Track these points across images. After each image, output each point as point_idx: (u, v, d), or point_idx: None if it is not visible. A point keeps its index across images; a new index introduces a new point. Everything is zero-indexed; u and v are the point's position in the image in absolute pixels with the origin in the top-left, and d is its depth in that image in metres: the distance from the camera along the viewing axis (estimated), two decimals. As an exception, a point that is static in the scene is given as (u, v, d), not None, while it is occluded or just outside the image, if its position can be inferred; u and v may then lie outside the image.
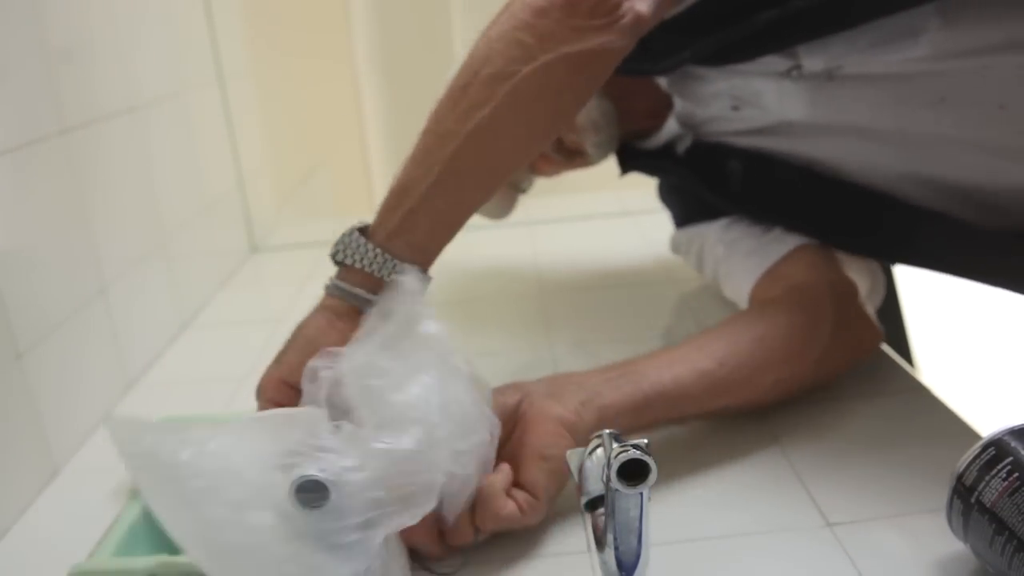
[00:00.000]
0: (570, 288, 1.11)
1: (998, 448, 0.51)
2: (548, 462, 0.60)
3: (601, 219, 1.38)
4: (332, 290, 0.64)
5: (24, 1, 0.76)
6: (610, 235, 1.30)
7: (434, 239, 0.64)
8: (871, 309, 0.80)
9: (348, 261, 0.63)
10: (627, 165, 1.00)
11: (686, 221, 0.98)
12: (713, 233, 0.91)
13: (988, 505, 0.50)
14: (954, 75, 0.68)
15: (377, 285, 0.62)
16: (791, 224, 0.84)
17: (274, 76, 1.56)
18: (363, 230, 0.64)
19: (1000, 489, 0.49)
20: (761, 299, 0.81)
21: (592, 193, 1.47)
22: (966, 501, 0.51)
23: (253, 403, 0.63)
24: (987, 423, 0.58)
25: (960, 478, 0.52)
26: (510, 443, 0.62)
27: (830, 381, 0.75)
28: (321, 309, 0.64)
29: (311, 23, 1.97)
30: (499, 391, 0.64)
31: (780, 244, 0.83)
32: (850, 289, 0.78)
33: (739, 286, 0.85)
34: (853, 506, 0.61)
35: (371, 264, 0.62)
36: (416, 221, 0.63)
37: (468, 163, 0.63)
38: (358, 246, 0.62)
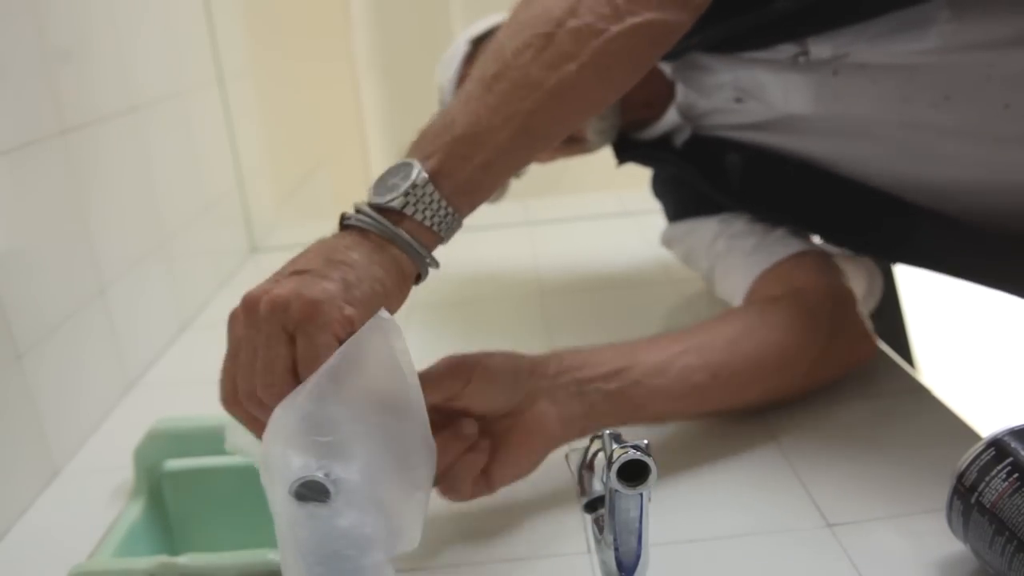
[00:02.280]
0: (570, 288, 1.11)
1: (998, 449, 0.51)
2: (518, 468, 0.62)
3: (601, 219, 1.38)
4: (400, 242, 0.53)
5: (23, 1, 0.76)
6: (610, 235, 1.30)
7: (490, 195, 0.58)
8: (867, 318, 0.79)
9: (418, 216, 0.54)
10: (624, 155, 0.99)
11: (680, 215, 0.97)
12: (711, 228, 0.91)
13: (988, 506, 0.50)
14: (960, 70, 0.68)
15: (435, 241, 0.55)
16: (789, 219, 0.84)
17: (274, 76, 1.56)
18: (429, 175, 0.54)
19: (1000, 490, 0.49)
20: (760, 297, 0.81)
21: (592, 193, 1.47)
22: (966, 502, 0.51)
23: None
24: (987, 423, 0.58)
25: (960, 478, 0.52)
26: (502, 424, 0.61)
27: (819, 388, 0.75)
28: (385, 258, 0.53)
29: (311, 23, 1.97)
30: (513, 359, 0.63)
31: (785, 245, 0.82)
32: (849, 297, 0.78)
33: (737, 282, 0.85)
34: (853, 506, 0.61)
35: (440, 223, 0.54)
36: (487, 177, 0.56)
37: (546, 119, 0.58)
38: (431, 201, 0.54)
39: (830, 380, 0.76)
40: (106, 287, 0.87)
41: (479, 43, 1.02)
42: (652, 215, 1.10)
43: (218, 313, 1.11)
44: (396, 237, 0.53)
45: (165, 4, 1.11)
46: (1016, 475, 0.49)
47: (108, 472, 0.73)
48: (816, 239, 0.88)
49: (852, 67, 0.73)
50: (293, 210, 1.61)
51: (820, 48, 0.74)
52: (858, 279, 0.83)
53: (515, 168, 0.59)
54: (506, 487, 0.62)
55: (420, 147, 0.56)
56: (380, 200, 0.54)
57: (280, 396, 0.49)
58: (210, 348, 1.00)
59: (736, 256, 0.86)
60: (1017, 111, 0.67)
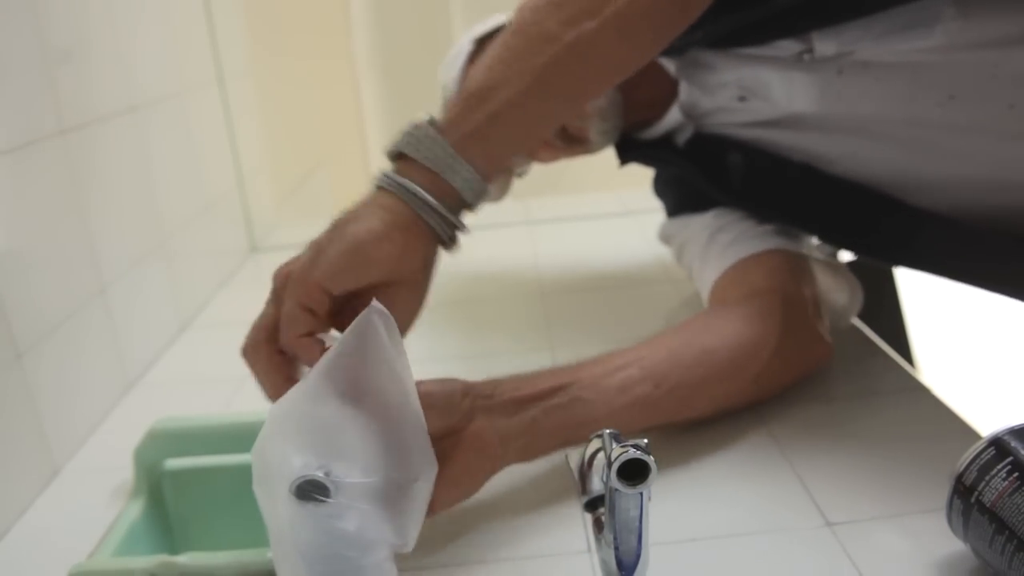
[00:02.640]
0: (570, 288, 1.11)
1: (998, 448, 0.51)
2: (460, 489, 0.59)
3: (602, 219, 1.38)
4: (389, 185, 0.55)
5: (23, 1, 0.76)
6: (611, 235, 1.30)
7: (508, 150, 0.58)
8: (826, 324, 0.78)
9: (415, 155, 0.54)
10: (626, 156, 0.99)
11: (679, 212, 0.97)
12: (701, 221, 0.91)
13: (988, 505, 0.50)
14: (965, 69, 0.68)
15: (442, 191, 0.55)
16: (789, 220, 0.83)
17: (274, 76, 1.57)
18: (433, 123, 0.56)
19: (1000, 489, 0.49)
20: (718, 298, 0.81)
21: (593, 193, 1.47)
22: (966, 501, 0.51)
23: (253, 403, 0.63)
24: (987, 422, 0.58)
25: (960, 478, 0.52)
26: (440, 446, 0.56)
27: (772, 395, 0.74)
28: (374, 207, 0.55)
29: (311, 23, 1.97)
30: (446, 383, 0.60)
31: (755, 242, 0.82)
32: (803, 303, 0.77)
33: (706, 277, 0.85)
34: (853, 506, 0.61)
35: (440, 163, 0.54)
36: (496, 127, 0.56)
37: (563, 74, 0.57)
38: (431, 142, 0.54)
39: (786, 383, 0.74)
40: (106, 287, 0.87)
41: (483, 42, 1.02)
42: (652, 214, 1.10)
43: (218, 313, 1.11)
44: (383, 178, 0.56)
45: (165, 3, 1.11)
46: (1016, 474, 0.49)
47: (108, 471, 0.73)
48: (814, 241, 0.88)
49: (857, 65, 0.73)
50: (293, 210, 1.61)
51: (825, 46, 0.74)
52: (840, 291, 0.83)
53: (531, 124, 0.58)
54: (505, 485, 0.62)
55: (442, 112, 0.58)
56: (388, 149, 0.57)
57: (253, 348, 0.57)
58: (210, 348, 1.01)
59: (713, 249, 0.86)
60: (1022, 110, 0.67)
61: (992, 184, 0.72)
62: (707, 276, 0.85)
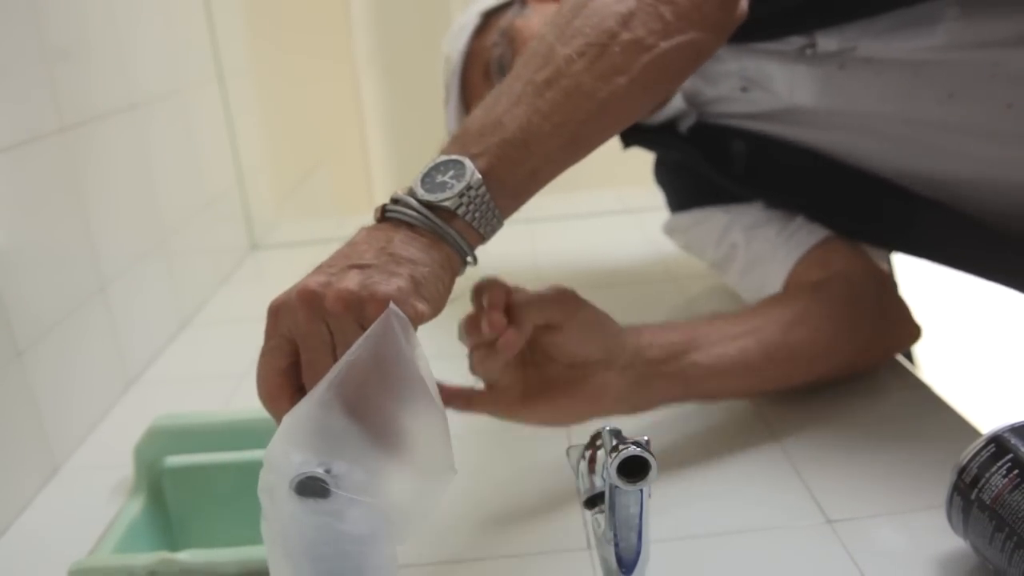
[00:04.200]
0: (570, 285, 1.10)
1: (998, 445, 0.51)
2: (557, 419, 0.65)
3: (602, 217, 1.38)
4: (444, 235, 0.53)
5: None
6: (611, 233, 1.30)
7: (527, 200, 0.58)
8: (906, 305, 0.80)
9: (469, 218, 0.53)
10: (629, 140, 0.99)
11: (683, 204, 0.97)
12: (720, 219, 0.90)
13: (988, 502, 0.50)
14: (965, 68, 0.69)
15: (477, 244, 0.55)
16: (792, 205, 0.84)
17: (274, 74, 1.57)
18: (480, 174, 0.53)
19: (1000, 486, 0.49)
20: (802, 283, 0.80)
21: (593, 191, 1.47)
22: (966, 498, 0.51)
23: (252, 402, 0.63)
24: (987, 420, 0.58)
25: (960, 475, 0.52)
26: (568, 372, 0.64)
27: (868, 370, 0.77)
28: (432, 252, 0.52)
29: (311, 21, 1.97)
30: (605, 314, 0.66)
31: (810, 232, 0.82)
32: (890, 279, 0.79)
33: (771, 270, 0.84)
34: (853, 503, 0.61)
35: (487, 226, 0.54)
36: (533, 183, 0.57)
37: (594, 129, 0.59)
38: (483, 203, 0.53)
39: (878, 362, 0.77)
40: (106, 284, 0.87)
41: (490, 16, 1.01)
42: (652, 212, 1.10)
43: (218, 310, 1.11)
44: (448, 236, 0.53)
45: (165, 1, 1.11)
46: (1016, 471, 0.49)
47: (108, 469, 0.73)
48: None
49: (858, 61, 0.73)
50: (293, 208, 1.61)
51: (828, 41, 0.74)
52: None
53: (554, 177, 0.58)
54: (505, 482, 0.62)
55: (465, 144, 0.55)
56: (432, 198, 0.53)
57: (279, 397, 0.49)
58: (210, 345, 1.01)
59: (762, 245, 0.85)
60: (1020, 111, 0.68)
61: (988, 182, 0.72)
62: (769, 270, 0.84)
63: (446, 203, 0.52)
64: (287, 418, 0.48)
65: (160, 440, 0.68)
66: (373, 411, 0.49)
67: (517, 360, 0.62)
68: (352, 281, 0.49)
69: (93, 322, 0.83)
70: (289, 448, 0.48)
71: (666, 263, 1.11)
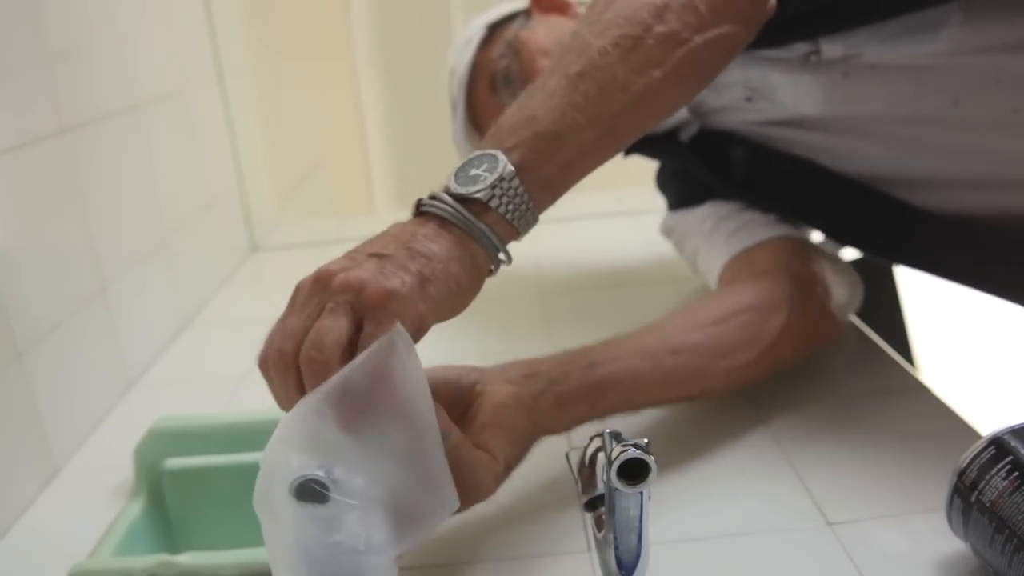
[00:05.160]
0: (570, 288, 1.11)
1: (998, 447, 0.51)
2: (504, 430, 0.58)
3: (602, 218, 1.38)
4: (477, 235, 0.52)
5: (23, 0, 0.76)
6: (611, 234, 1.30)
7: (566, 191, 0.57)
8: (833, 304, 0.79)
9: (502, 209, 0.53)
10: (631, 148, 1.00)
11: (680, 203, 0.98)
12: (699, 211, 0.91)
13: (988, 504, 0.50)
14: (970, 74, 0.69)
15: (511, 239, 0.55)
16: (792, 213, 0.84)
17: (274, 75, 1.57)
18: (513, 166, 0.53)
19: (1000, 488, 0.49)
20: (727, 281, 0.81)
21: (593, 192, 1.47)
22: (966, 500, 0.51)
23: (253, 403, 0.63)
24: (987, 422, 0.58)
25: (960, 477, 0.52)
26: (463, 422, 0.58)
27: (784, 369, 0.74)
28: (464, 253, 0.52)
29: (311, 22, 1.97)
30: (452, 369, 0.61)
31: (762, 230, 0.83)
32: (811, 281, 0.78)
33: (713, 262, 0.86)
34: (853, 505, 0.61)
35: (520, 218, 0.54)
36: (567, 176, 0.56)
37: (630, 123, 0.58)
38: (516, 195, 0.53)
39: (794, 360, 0.75)
40: (106, 286, 0.87)
41: (496, 28, 1.01)
42: (652, 214, 1.10)
43: (218, 312, 1.11)
44: (476, 230, 0.52)
45: (165, 2, 1.11)
46: (1016, 473, 0.49)
47: (108, 471, 0.73)
48: (817, 235, 0.88)
49: (863, 68, 0.73)
50: (293, 209, 1.61)
51: (832, 48, 0.74)
52: (840, 285, 0.83)
53: (590, 170, 0.58)
54: (505, 484, 0.62)
55: (499, 138, 0.55)
56: (464, 191, 0.53)
57: (319, 369, 0.47)
58: (210, 347, 1.01)
59: (719, 236, 0.86)
60: None
61: (994, 187, 0.72)
62: (714, 262, 0.86)
63: (478, 195, 0.52)
64: (284, 422, 0.48)
65: (160, 442, 0.68)
66: (368, 429, 0.49)
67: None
68: (366, 269, 0.49)
69: (93, 324, 0.83)
70: (288, 451, 0.48)
71: (665, 265, 1.11)
